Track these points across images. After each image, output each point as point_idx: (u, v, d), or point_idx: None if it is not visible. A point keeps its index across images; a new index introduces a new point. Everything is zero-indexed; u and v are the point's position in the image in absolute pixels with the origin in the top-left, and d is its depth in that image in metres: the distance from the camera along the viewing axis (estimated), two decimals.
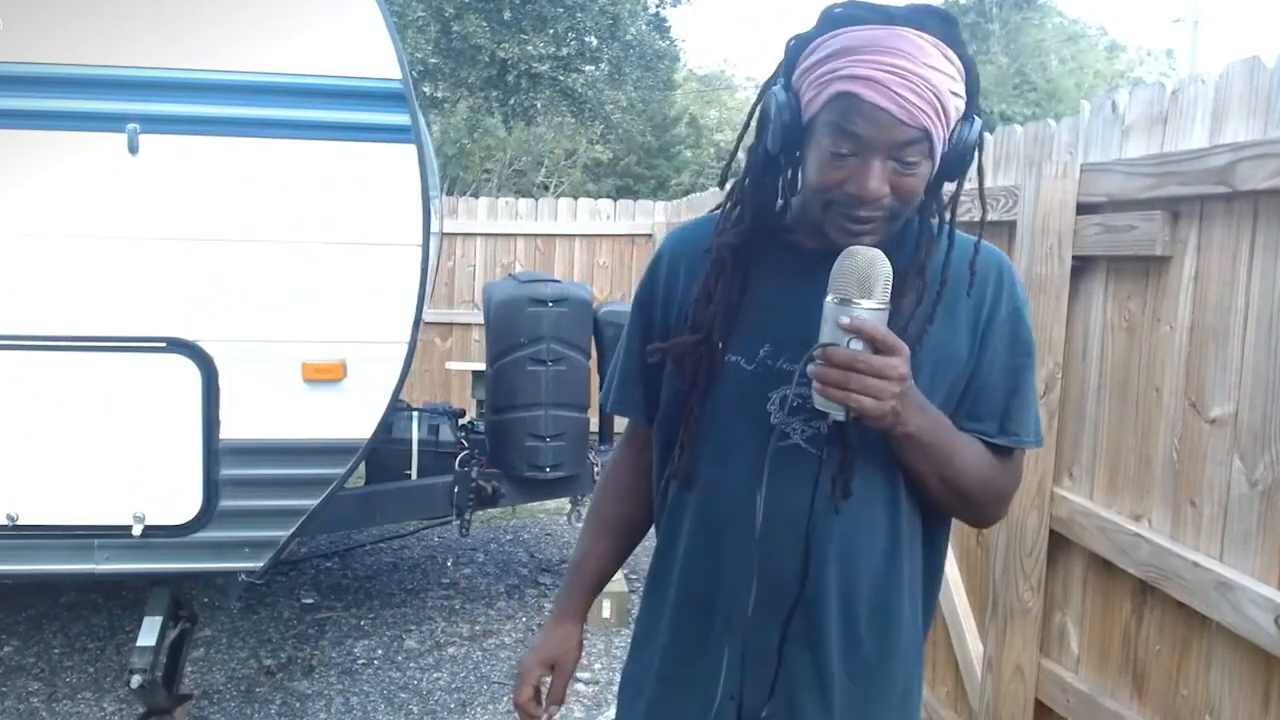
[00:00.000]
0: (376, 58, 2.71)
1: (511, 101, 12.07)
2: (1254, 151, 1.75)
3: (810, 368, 1.08)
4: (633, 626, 1.41)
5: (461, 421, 4.23)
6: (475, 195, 10.65)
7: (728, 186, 1.28)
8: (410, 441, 3.92)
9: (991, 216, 2.64)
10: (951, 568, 2.91)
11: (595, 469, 3.98)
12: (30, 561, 2.73)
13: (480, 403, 4.29)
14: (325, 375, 2.78)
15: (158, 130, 2.64)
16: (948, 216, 1.22)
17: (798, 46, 1.15)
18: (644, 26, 13.01)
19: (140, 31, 2.63)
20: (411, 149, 2.75)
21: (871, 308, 1.06)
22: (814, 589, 1.19)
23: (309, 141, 2.72)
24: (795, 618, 1.19)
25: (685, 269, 1.29)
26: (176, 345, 2.70)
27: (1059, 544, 2.39)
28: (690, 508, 1.27)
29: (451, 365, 6.41)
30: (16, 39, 2.57)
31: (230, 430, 2.74)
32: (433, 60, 11.46)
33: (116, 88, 2.62)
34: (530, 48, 11.29)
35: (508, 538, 5.15)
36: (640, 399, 1.35)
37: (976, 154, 1.16)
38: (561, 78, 11.74)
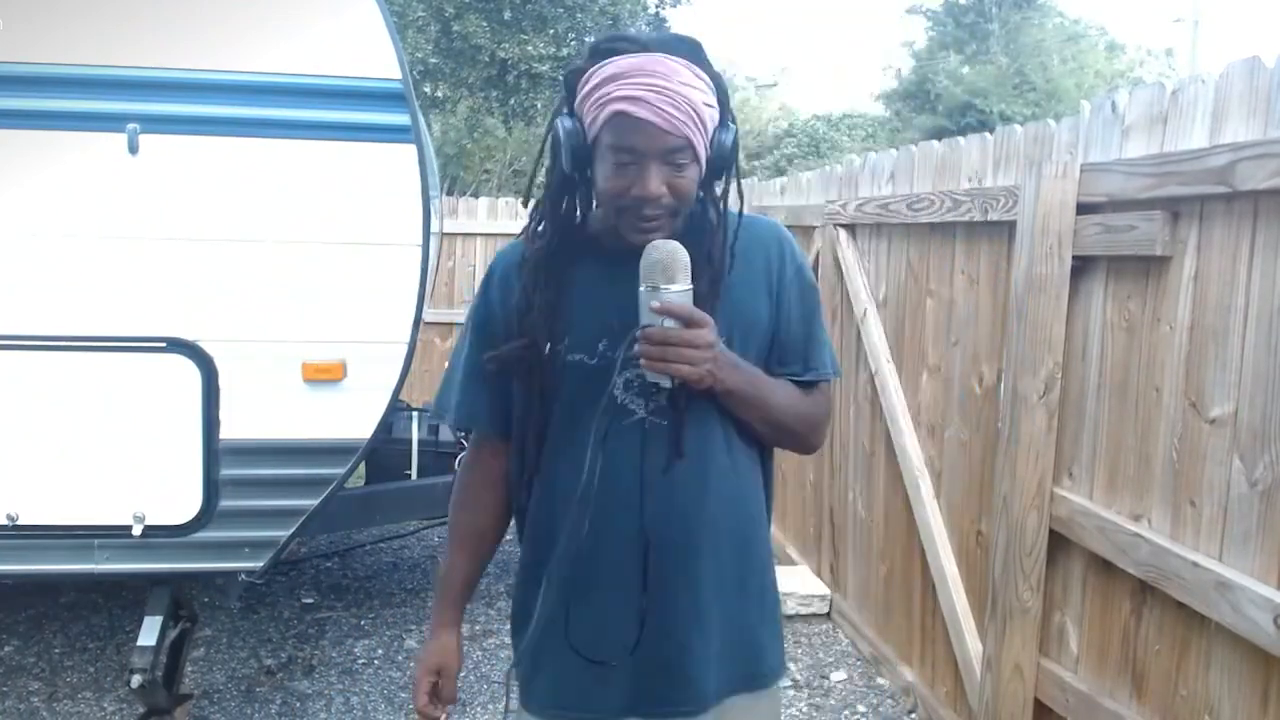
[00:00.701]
0: (376, 58, 2.71)
1: (511, 101, 12.08)
2: (1254, 151, 1.75)
3: (635, 348, 1.27)
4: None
5: None
6: (475, 195, 10.64)
7: (530, 205, 1.46)
8: (410, 441, 3.92)
9: (992, 216, 2.64)
10: (951, 566, 2.92)
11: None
12: (30, 561, 2.73)
13: None
14: (325, 375, 2.78)
15: (158, 130, 2.64)
16: (722, 208, 1.41)
17: (573, 78, 1.33)
18: (644, 27, 13.02)
19: (140, 31, 2.63)
20: (411, 149, 2.75)
21: (677, 290, 1.26)
22: (684, 535, 1.38)
23: (309, 141, 2.72)
24: (670, 566, 1.37)
25: (516, 284, 1.43)
26: (176, 345, 2.70)
27: (1058, 544, 2.39)
28: (553, 496, 1.43)
29: None
30: (16, 39, 2.57)
31: (230, 430, 2.74)
32: (433, 60, 11.47)
33: (116, 88, 2.62)
34: (530, 48, 11.30)
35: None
36: (485, 410, 1.48)
37: (736, 154, 1.35)
38: (562, 78, 11.74)
